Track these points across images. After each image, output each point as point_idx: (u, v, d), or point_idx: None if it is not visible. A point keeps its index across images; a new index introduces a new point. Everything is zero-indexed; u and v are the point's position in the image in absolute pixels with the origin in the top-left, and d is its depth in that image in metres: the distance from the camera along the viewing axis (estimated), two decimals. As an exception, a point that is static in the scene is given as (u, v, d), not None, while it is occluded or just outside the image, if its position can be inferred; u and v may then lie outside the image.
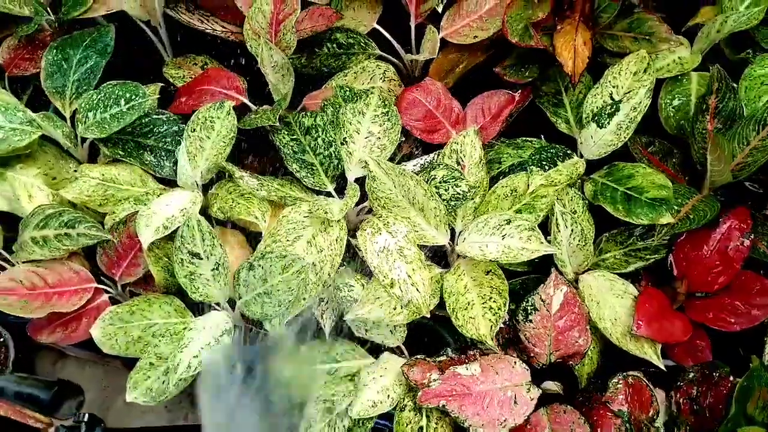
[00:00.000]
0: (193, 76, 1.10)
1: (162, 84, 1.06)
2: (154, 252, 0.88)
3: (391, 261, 0.86)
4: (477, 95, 1.05)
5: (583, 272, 0.92)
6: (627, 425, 0.77)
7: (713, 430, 0.80)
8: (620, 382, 0.81)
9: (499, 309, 0.83)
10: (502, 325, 0.86)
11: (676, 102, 1.02)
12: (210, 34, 1.09)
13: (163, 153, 1.01)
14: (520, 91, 1.04)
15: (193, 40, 1.15)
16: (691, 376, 0.84)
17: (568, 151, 0.98)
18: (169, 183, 1.00)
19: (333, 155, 0.94)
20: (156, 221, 0.85)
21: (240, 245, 0.92)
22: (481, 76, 1.08)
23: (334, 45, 1.10)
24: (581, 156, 0.99)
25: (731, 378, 0.82)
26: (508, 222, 0.85)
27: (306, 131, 0.94)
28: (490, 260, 0.84)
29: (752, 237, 0.89)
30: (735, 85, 0.97)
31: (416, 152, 1.04)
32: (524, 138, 1.01)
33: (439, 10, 1.06)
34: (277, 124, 0.93)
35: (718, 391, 0.82)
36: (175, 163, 0.98)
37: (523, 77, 1.04)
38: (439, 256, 0.96)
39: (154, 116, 1.02)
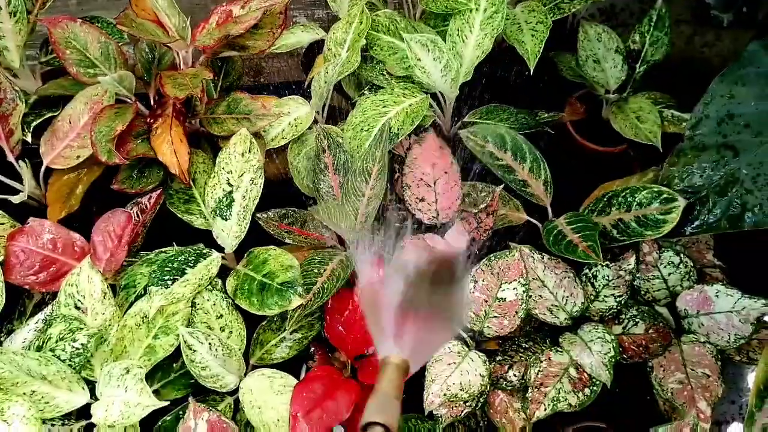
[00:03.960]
0: None
1: None
2: None
3: (11, 454, 0.76)
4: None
5: (246, 376, 0.88)
6: None
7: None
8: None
9: (131, 471, 0.76)
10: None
11: (304, 162, 1.01)
12: None
13: None
14: (149, 198, 0.98)
15: None
16: (362, 449, 0.83)
17: (205, 250, 0.93)
18: None
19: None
20: None
21: None
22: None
23: (-68, 203, 0.96)
24: (221, 250, 0.94)
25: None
26: (127, 372, 0.79)
27: None
28: (112, 424, 0.76)
29: (387, 287, 0.89)
30: (341, 139, 0.98)
31: (48, 298, 0.94)
32: (159, 250, 0.95)
33: (29, 139, 0.96)
34: None
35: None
36: None
37: (147, 184, 0.98)
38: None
39: None
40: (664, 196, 0.87)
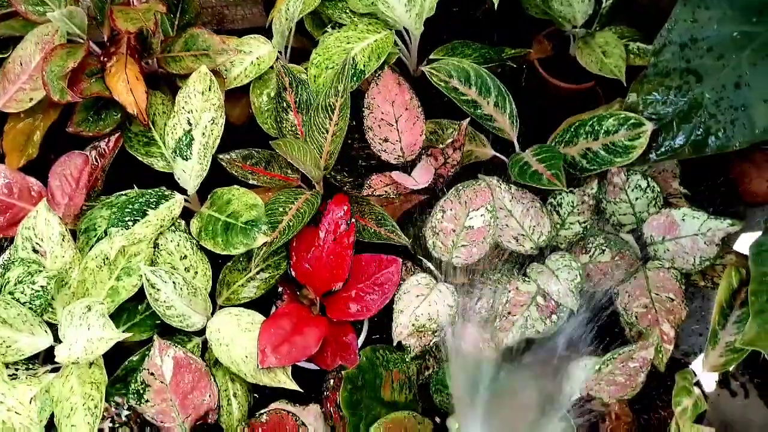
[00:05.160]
0: None
1: None
2: None
3: (-25, 396, 0.75)
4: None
5: (212, 314, 0.87)
6: (256, 474, 0.75)
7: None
8: None
9: (95, 407, 0.75)
10: (127, 412, 0.78)
11: (266, 101, 0.99)
12: None
13: None
14: (108, 141, 0.95)
15: None
16: (332, 383, 0.83)
17: (167, 192, 0.91)
18: None
19: None
20: None
21: None
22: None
23: None
24: (184, 191, 0.92)
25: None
26: (89, 309, 0.77)
27: None
28: (76, 360, 0.75)
29: (354, 222, 0.89)
30: (304, 76, 0.96)
31: (6, 245, 0.92)
32: (120, 193, 0.93)
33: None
34: None
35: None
36: None
37: (104, 126, 0.95)
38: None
39: None
40: (632, 121, 0.87)
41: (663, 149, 0.89)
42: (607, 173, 0.92)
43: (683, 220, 0.88)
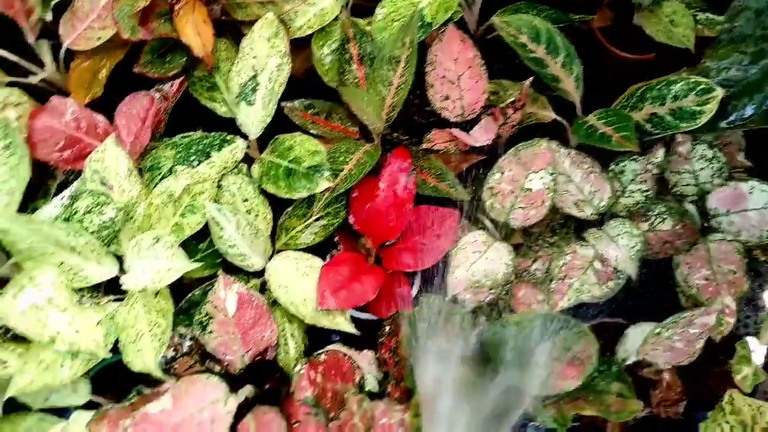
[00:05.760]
0: None
1: None
2: None
3: (44, 317, 0.77)
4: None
5: (271, 258, 0.88)
6: (315, 409, 0.76)
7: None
8: (302, 368, 0.79)
9: (162, 333, 0.77)
10: (189, 342, 0.80)
11: (328, 53, 0.99)
12: None
13: None
14: (172, 84, 0.96)
15: None
16: (387, 329, 0.84)
17: (228, 137, 0.92)
18: None
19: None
20: None
21: None
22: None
23: (-49, 84, 0.95)
24: (246, 137, 0.93)
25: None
26: (157, 241, 0.79)
27: None
28: (143, 289, 0.77)
29: (414, 174, 0.89)
30: (368, 29, 0.96)
31: (72, 179, 0.93)
32: (183, 134, 0.93)
33: (48, 18, 0.94)
34: None
35: (410, 339, 0.83)
36: None
37: (169, 69, 0.96)
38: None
39: None
40: (702, 87, 0.86)
41: (733, 117, 0.87)
42: (671, 143, 0.91)
43: (751, 192, 0.87)
